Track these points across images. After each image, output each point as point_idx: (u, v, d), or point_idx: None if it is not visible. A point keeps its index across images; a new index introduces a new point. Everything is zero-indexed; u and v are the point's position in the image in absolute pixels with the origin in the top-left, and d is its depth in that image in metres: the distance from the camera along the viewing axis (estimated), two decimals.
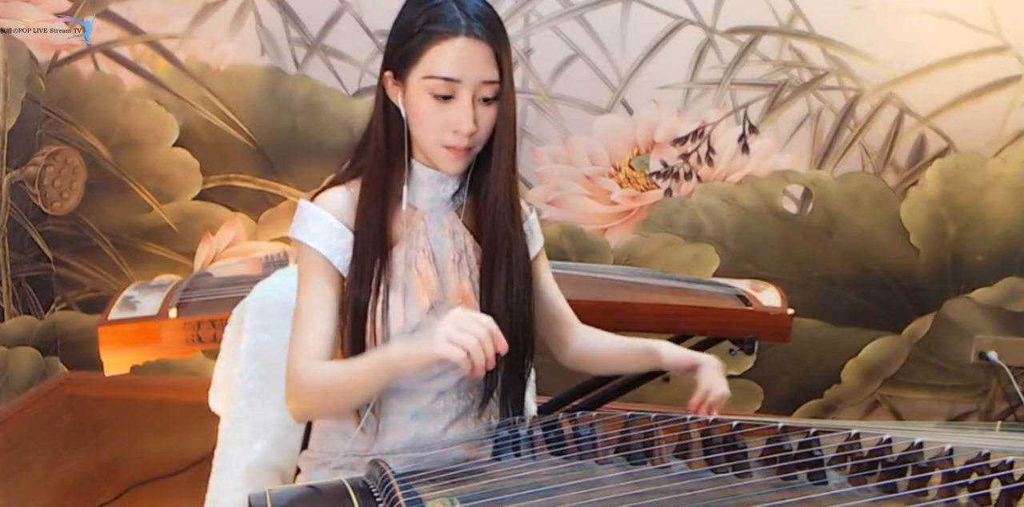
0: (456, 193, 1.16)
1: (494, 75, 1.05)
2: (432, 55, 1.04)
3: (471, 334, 0.94)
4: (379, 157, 1.11)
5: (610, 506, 0.85)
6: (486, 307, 1.14)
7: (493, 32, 1.05)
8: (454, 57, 1.03)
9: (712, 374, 1.11)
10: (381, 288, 1.10)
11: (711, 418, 1.02)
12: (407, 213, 1.14)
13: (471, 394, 1.21)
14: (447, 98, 1.05)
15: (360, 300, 1.10)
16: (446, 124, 1.06)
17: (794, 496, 0.87)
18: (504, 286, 1.14)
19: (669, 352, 1.15)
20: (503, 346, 0.95)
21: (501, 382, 1.18)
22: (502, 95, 1.07)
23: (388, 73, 1.09)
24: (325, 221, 1.11)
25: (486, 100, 1.06)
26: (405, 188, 1.13)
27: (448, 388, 1.17)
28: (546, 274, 1.27)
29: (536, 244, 1.24)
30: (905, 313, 2.41)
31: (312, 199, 1.14)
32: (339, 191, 1.14)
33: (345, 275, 1.11)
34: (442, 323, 0.95)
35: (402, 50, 1.06)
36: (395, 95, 1.09)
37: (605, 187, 2.44)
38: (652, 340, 1.19)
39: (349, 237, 1.11)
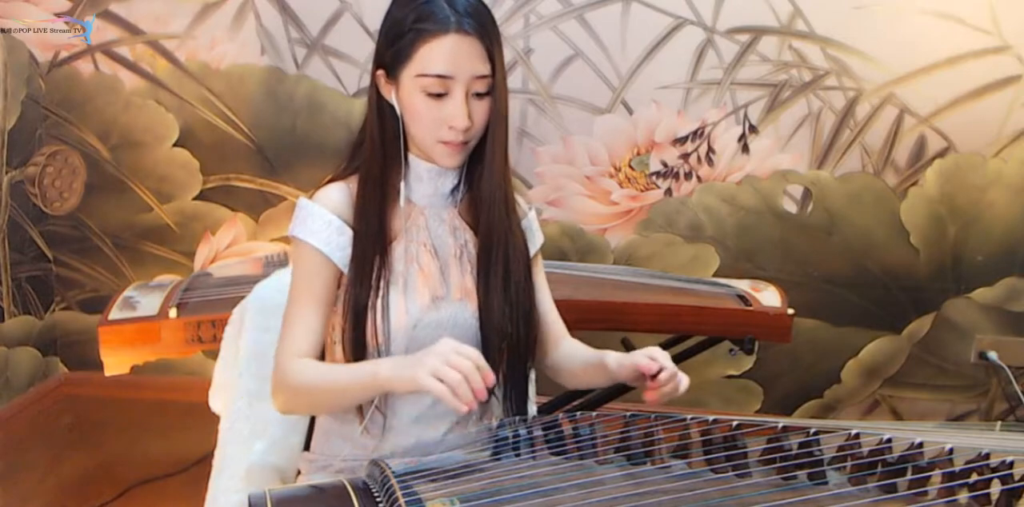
0: (455, 188, 1.16)
1: (486, 70, 1.05)
2: (423, 53, 1.03)
3: (457, 369, 0.92)
4: (375, 154, 1.12)
5: (610, 506, 0.85)
6: (484, 301, 1.14)
7: (483, 26, 1.04)
8: (445, 54, 1.03)
9: (649, 356, 1.06)
10: (381, 284, 1.10)
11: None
12: (407, 208, 1.14)
13: None
14: (441, 95, 1.05)
15: (360, 297, 1.10)
16: (441, 120, 1.06)
17: (794, 496, 0.87)
18: (502, 279, 1.14)
19: (614, 360, 1.09)
20: (491, 379, 0.94)
21: (503, 380, 1.18)
22: (494, 89, 1.07)
23: (380, 71, 1.09)
24: (324, 218, 1.11)
25: (479, 94, 1.06)
26: (403, 184, 1.13)
27: None
28: (541, 277, 1.26)
29: (535, 243, 1.24)
30: (905, 313, 2.41)
31: (310, 197, 1.14)
32: (336, 187, 1.14)
33: (345, 272, 1.11)
34: (429, 354, 0.94)
35: (393, 49, 1.06)
36: (388, 93, 1.09)
37: (605, 187, 2.44)
38: (607, 352, 1.13)
39: (349, 234, 1.11)
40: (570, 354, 1.23)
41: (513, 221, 1.16)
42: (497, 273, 1.14)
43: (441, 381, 0.92)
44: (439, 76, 1.04)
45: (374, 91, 1.11)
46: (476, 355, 0.94)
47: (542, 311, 1.24)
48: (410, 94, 1.06)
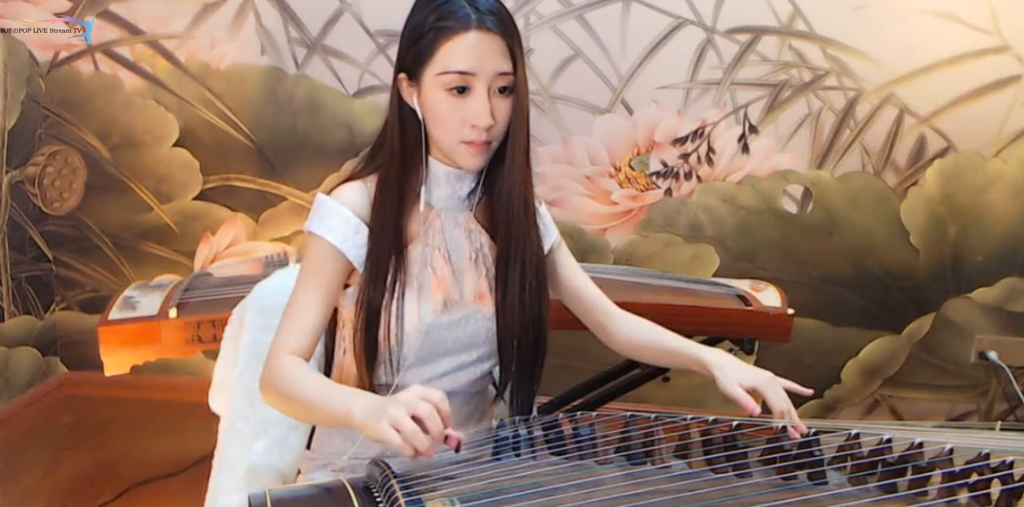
0: (472, 191, 1.16)
1: (508, 67, 1.05)
2: (445, 51, 1.04)
3: (416, 415, 0.88)
4: (395, 159, 1.11)
5: (610, 506, 0.85)
6: (500, 303, 1.15)
7: (504, 25, 1.05)
8: (467, 50, 1.03)
9: (776, 396, 1.10)
10: (396, 287, 1.10)
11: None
12: (424, 212, 1.14)
13: (478, 397, 1.21)
14: (463, 91, 1.05)
15: (374, 299, 1.10)
16: (463, 120, 1.06)
17: (794, 496, 0.87)
18: (519, 282, 1.15)
19: (723, 376, 1.11)
20: (454, 440, 0.91)
21: (511, 381, 1.18)
22: (516, 87, 1.07)
23: (402, 75, 1.09)
24: (343, 215, 1.10)
25: (502, 91, 1.06)
26: (423, 188, 1.13)
27: (457, 389, 1.17)
28: (570, 262, 1.27)
29: (550, 236, 1.25)
30: (905, 313, 2.41)
31: (328, 193, 1.13)
32: (355, 185, 1.13)
33: (360, 270, 1.11)
34: (393, 402, 0.89)
35: (415, 49, 1.06)
36: (410, 97, 1.09)
37: (605, 187, 2.44)
38: (705, 350, 1.16)
39: (366, 232, 1.11)
40: (644, 337, 1.24)
41: (531, 224, 1.17)
42: (514, 276, 1.15)
43: (399, 431, 0.87)
44: (460, 72, 1.04)
45: (395, 95, 1.11)
46: (440, 400, 0.90)
47: (587, 295, 1.27)
48: (432, 94, 1.06)
